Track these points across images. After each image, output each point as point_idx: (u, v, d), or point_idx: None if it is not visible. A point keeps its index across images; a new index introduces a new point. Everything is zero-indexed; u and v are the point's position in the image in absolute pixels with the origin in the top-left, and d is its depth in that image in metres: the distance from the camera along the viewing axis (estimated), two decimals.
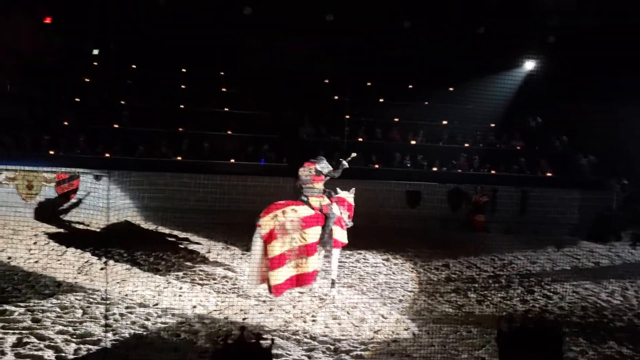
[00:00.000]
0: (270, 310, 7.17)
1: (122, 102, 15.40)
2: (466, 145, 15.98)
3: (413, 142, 15.87)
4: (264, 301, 7.45)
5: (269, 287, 7.36)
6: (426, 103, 16.44)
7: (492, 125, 16.66)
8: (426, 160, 15.36)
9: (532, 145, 16.39)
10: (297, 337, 6.34)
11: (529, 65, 16.42)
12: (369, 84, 16.73)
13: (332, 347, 6.12)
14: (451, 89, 16.46)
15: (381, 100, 16.53)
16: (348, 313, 7.24)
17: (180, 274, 8.62)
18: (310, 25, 14.97)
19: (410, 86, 16.66)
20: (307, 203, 7.89)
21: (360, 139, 15.32)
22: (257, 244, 7.44)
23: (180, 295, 7.58)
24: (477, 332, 6.79)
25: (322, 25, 15.15)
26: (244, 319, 6.81)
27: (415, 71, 15.87)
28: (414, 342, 6.39)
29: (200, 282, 8.26)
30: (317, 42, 15.61)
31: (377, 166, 14.84)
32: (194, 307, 7.14)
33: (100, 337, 5.93)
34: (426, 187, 13.84)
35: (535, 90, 15.85)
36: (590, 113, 14.81)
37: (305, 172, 8.07)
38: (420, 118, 16.18)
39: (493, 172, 15.28)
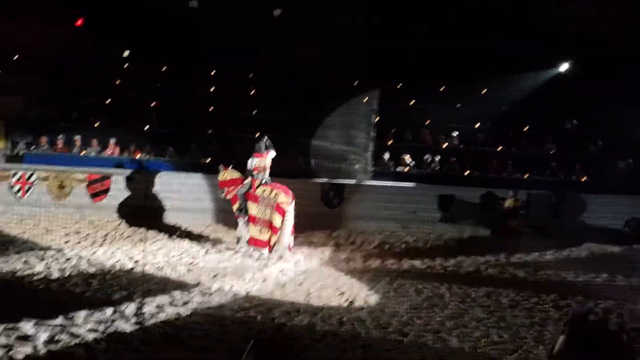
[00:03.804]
0: None
1: (152, 104, 15.52)
2: (499, 148, 15.64)
3: (445, 145, 15.61)
4: None
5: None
6: (458, 106, 16.19)
7: (526, 128, 16.32)
8: (458, 164, 15.12)
9: (566, 149, 16.02)
10: None
11: (564, 66, 16.08)
12: (398, 86, 16.57)
13: None
14: (484, 91, 16.19)
15: (412, 102, 16.32)
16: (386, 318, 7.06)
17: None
18: (340, 27, 14.89)
19: (441, 88, 16.45)
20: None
21: (390, 142, 15.13)
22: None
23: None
24: (509, 337, 6.58)
25: (352, 26, 15.06)
26: None
27: (448, 73, 15.65)
28: (444, 347, 6.21)
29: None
30: (346, 44, 15.50)
31: (407, 169, 14.64)
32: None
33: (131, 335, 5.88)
34: (458, 190, 13.59)
35: (570, 92, 15.53)
36: (626, 116, 14.43)
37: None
38: (452, 121, 15.92)
39: (526, 175, 14.94)
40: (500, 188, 13.69)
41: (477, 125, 16.29)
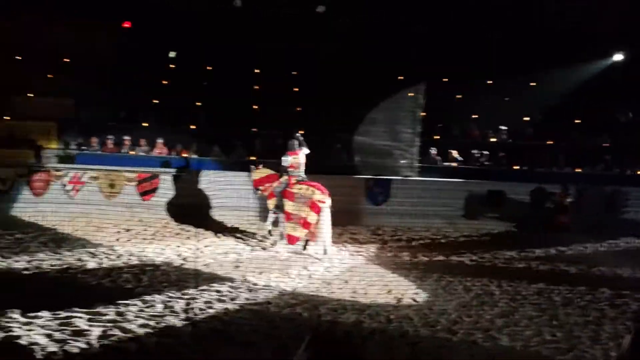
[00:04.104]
0: None
1: (199, 104, 15.73)
2: (549, 142, 15.23)
3: (493, 140, 15.28)
4: None
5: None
6: (507, 99, 15.83)
7: (578, 121, 15.81)
8: (507, 159, 14.77)
9: (619, 142, 15.44)
10: None
11: (618, 56, 15.48)
12: (445, 80, 16.29)
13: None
14: (533, 83, 15.76)
15: (459, 96, 16.06)
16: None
17: None
18: (384, 21, 14.75)
19: (489, 82, 16.10)
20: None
21: (437, 137, 14.92)
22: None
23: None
24: (562, 336, 6.38)
25: (395, 20, 14.90)
26: None
27: (495, 66, 15.31)
28: (495, 346, 6.06)
29: None
30: (390, 39, 15.34)
31: (455, 164, 14.40)
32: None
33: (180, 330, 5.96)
34: (507, 186, 13.27)
35: (624, 83, 14.94)
36: None
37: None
38: (501, 114, 15.57)
39: (578, 170, 14.48)
40: (551, 183, 13.29)
41: (526, 119, 15.85)
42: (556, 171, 14.48)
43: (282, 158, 10.17)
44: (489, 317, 6.96)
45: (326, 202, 9.77)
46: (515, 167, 14.59)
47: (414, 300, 7.54)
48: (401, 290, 7.95)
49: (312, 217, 9.69)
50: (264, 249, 10.26)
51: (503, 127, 15.60)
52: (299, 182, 10.03)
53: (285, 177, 10.14)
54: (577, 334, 6.46)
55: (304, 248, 9.96)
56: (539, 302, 7.70)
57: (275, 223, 10.45)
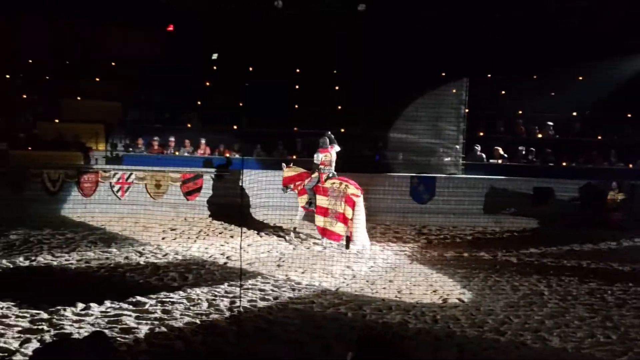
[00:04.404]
0: None
1: (240, 104, 15.85)
2: (599, 137, 14.74)
3: (540, 136, 14.90)
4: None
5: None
6: (553, 94, 15.40)
7: (629, 115, 15.25)
8: (555, 155, 14.39)
9: None
10: None
11: None
12: (489, 75, 15.97)
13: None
14: (579, 77, 15.29)
15: (503, 92, 15.71)
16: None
17: None
18: (427, 17, 14.56)
19: (534, 77, 15.70)
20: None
21: (481, 133, 14.64)
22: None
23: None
24: (617, 338, 6.17)
25: (438, 15, 14.69)
26: None
27: (540, 60, 14.91)
28: (545, 347, 5.90)
29: None
30: (432, 34, 15.13)
31: (500, 162, 14.10)
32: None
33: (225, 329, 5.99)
34: (555, 183, 12.91)
35: None
36: None
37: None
38: (546, 110, 15.16)
39: (630, 165, 13.98)
40: (601, 179, 12.89)
41: (574, 113, 15.39)
42: (608, 167, 14.00)
43: (314, 155, 10.51)
44: (539, 318, 6.79)
45: (360, 196, 10.08)
46: (563, 164, 14.18)
47: (461, 300, 7.40)
48: (447, 290, 7.83)
49: (348, 212, 9.95)
50: (307, 248, 10.25)
51: (549, 123, 15.18)
52: (330, 178, 10.34)
53: (316, 174, 10.43)
54: (633, 336, 6.25)
55: (347, 247, 10.03)
56: (591, 302, 7.48)
57: (309, 219, 10.74)
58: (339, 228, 10.04)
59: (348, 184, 10.14)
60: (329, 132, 10.72)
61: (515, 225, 12.41)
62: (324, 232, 10.24)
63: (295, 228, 10.95)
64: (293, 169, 10.88)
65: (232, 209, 11.89)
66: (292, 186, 10.80)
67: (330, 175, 10.40)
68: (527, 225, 12.49)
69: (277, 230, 11.49)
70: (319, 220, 10.26)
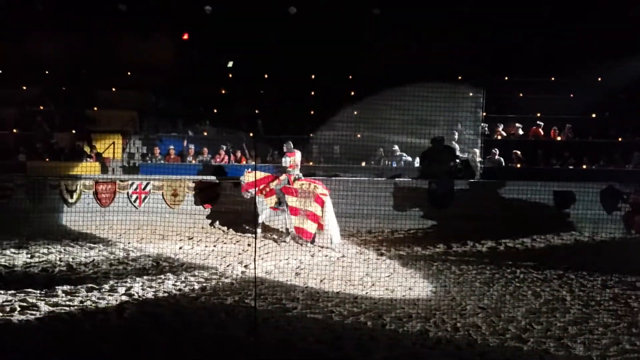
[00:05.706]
0: None
1: (257, 111, 15.87)
2: (620, 139, 14.52)
3: (559, 139, 14.72)
4: None
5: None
6: (572, 95, 15.20)
7: None
8: (574, 158, 14.19)
9: None
10: None
11: None
12: (506, 78, 15.83)
13: None
14: (598, 78, 15.08)
15: (520, 94, 15.55)
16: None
17: None
18: (443, 20, 14.49)
19: (552, 78, 15.52)
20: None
21: (499, 137, 14.49)
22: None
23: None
24: None
25: (455, 19, 14.62)
26: None
27: (557, 61, 14.74)
28: (569, 355, 5.81)
29: None
30: (450, 38, 15.05)
31: (518, 165, 13.93)
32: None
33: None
34: (576, 187, 12.68)
35: None
36: None
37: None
38: (565, 112, 14.95)
39: None
40: (624, 182, 12.67)
41: (593, 115, 15.17)
42: (630, 169, 13.75)
43: (282, 159, 11.43)
44: (561, 325, 6.68)
45: (327, 195, 10.91)
46: (583, 167, 13.97)
47: (481, 308, 7.28)
48: (467, 298, 7.71)
49: (318, 210, 10.72)
50: (325, 255, 10.21)
51: (568, 125, 14.98)
52: (297, 179, 11.15)
53: (284, 176, 11.19)
54: None
55: (312, 241, 10.78)
56: (615, 308, 7.36)
57: (283, 219, 11.49)
58: (310, 226, 10.74)
59: (316, 184, 11.02)
60: (289, 141, 11.59)
61: (536, 230, 12.13)
62: (298, 230, 10.93)
63: (287, 229, 11.30)
64: (252, 174, 11.34)
65: (248, 216, 11.90)
66: (254, 190, 11.22)
67: (297, 177, 11.19)
68: (548, 230, 12.22)
69: (294, 238, 11.43)
70: (292, 219, 10.99)
